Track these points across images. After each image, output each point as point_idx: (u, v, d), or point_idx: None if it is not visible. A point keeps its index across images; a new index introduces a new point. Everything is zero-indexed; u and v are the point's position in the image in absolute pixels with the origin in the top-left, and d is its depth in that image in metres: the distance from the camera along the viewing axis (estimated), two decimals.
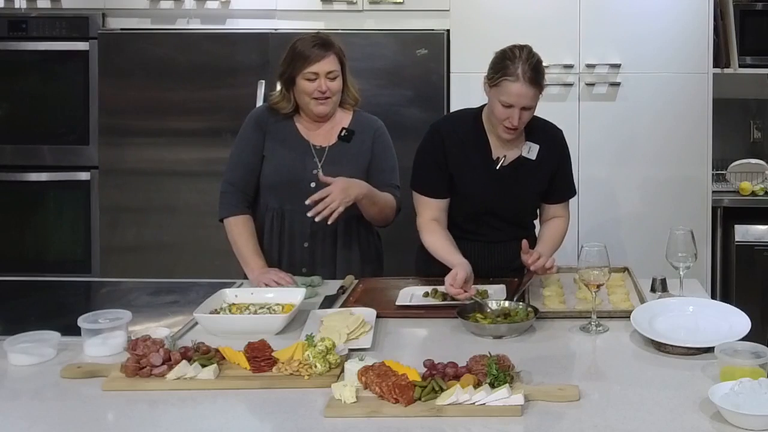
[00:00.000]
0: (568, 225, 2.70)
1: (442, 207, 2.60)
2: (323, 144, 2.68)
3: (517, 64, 2.41)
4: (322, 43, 2.60)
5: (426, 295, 2.39)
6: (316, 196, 2.46)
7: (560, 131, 2.69)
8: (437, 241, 2.53)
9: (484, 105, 2.59)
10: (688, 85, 3.64)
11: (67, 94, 3.83)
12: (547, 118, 2.70)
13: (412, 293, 2.41)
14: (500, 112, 2.45)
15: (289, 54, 2.61)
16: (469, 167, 2.57)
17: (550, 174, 2.62)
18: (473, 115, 2.62)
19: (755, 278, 3.74)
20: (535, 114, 2.66)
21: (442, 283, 2.40)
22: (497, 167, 2.57)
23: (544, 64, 3.49)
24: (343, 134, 2.68)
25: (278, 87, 2.71)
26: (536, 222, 2.75)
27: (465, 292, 2.29)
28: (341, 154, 2.67)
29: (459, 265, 2.36)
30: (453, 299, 2.32)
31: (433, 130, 2.63)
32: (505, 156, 2.58)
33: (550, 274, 2.47)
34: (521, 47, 2.47)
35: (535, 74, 2.43)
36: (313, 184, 2.64)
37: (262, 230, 2.68)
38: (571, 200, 2.73)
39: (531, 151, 2.59)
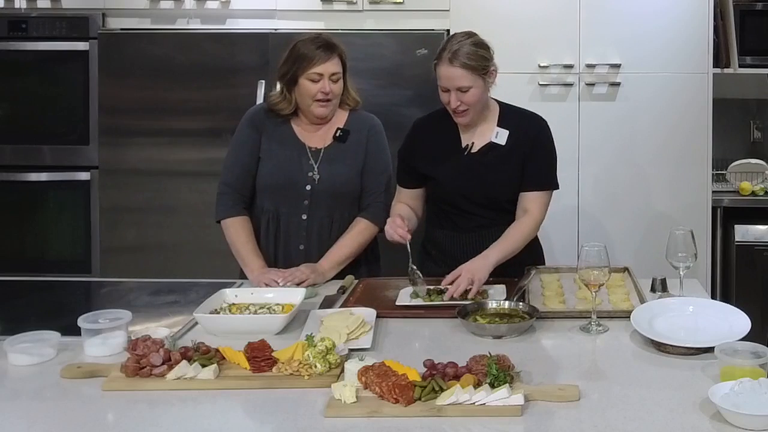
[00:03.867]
0: (536, 224, 2.60)
1: (414, 196, 2.73)
2: (318, 146, 2.68)
3: (447, 49, 2.52)
4: (326, 44, 2.60)
5: (414, 296, 2.38)
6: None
7: (541, 120, 2.69)
8: (395, 209, 2.66)
9: None
10: (688, 85, 3.64)
11: (67, 94, 3.83)
12: (547, 118, 2.70)
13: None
14: (442, 97, 2.58)
15: (292, 54, 2.60)
16: (440, 155, 2.65)
17: (523, 159, 2.62)
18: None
19: (755, 278, 3.74)
20: (524, 108, 2.71)
21: (439, 283, 2.41)
22: (465, 153, 2.62)
23: (544, 64, 3.49)
24: (338, 135, 2.68)
25: (278, 87, 2.71)
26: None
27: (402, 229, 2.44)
28: (337, 155, 2.67)
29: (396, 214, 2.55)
30: (453, 299, 2.32)
31: (411, 126, 2.77)
32: (473, 142, 2.63)
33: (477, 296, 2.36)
34: (459, 33, 2.57)
35: (464, 56, 2.50)
36: (308, 187, 2.64)
37: (257, 233, 2.68)
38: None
39: (499, 135, 2.63)
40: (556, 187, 2.68)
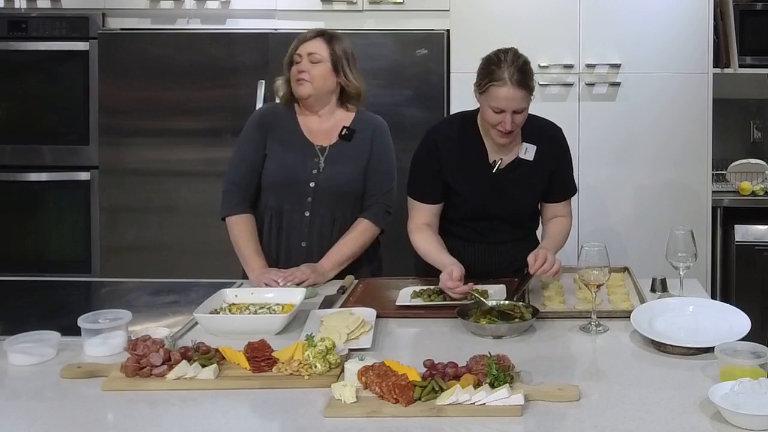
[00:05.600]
0: (571, 223, 2.68)
1: (434, 212, 2.61)
2: (324, 143, 2.69)
3: (503, 68, 2.40)
4: (318, 32, 2.66)
5: (415, 295, 2.39)
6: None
7: (559, 129, 2.67)
8: (427, 243, 2.54)
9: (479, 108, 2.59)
10: (688, 85, 3.64)
11: (67, 94, 3.83)
12: (556, 124, 2.69)
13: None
14: (492, 118, 2.45)
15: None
16: (465, 172, 2.57)
17: (549, 173, 2.61)
18: (468, 118, 2.62)
19: (755, 278, 3.74)
20: (533, 113, 2.66)
21: (436, 283, 2.41)
22: (494, 170, 2.57)
23: (544, 64, 3.48)
24: (343, 133, 2.69)
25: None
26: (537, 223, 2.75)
27: (462, 286, 2.31)
28: (341, 154, 2.68)
29: (453, 264, 2.38)
30: (453, 299, 2.32)
31: (428, 136, 2.64)
32: (501, 159, 2.58)
33: (555, 278, 2.44)
34: (506, 50, 2.46)
35: (522, 76, 2.41)
36: (312, 184, 2.65)
37: (261, 229, 2.69)
38: (571, 199, 2.73)
39: (528, 152, 2.58)
40: (577, 189, 2.73)
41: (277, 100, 2.79)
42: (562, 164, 2.64)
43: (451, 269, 2.34)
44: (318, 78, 2.64)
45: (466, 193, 2.58)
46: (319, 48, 2.63)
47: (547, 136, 2.62)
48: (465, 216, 2.63)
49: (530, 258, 2.38)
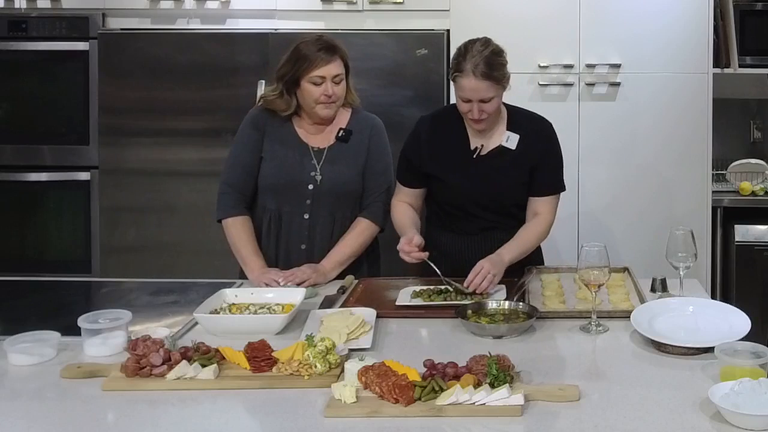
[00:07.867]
0: (548, 226, 2.63)
1: (415, 195, 2.70)
2: (321, 145, 2.69)
3: (467, 60, 2.46)
4: (328, 46, 2.59)
5: (415, 295, 2.38)
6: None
7: (548, 123, 2.68)
8: (402, 217, 2.63)
9: None
10: (688, 85, 3.64)
11: (67, 94, 3.83)
12: (547, 118, 2.70)
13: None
14: (461, 106, 2.53)
15: (293, 56, 2.60)
16: (447, 158, 2.62)
17: (532, 164, 2.61)
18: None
19: (755, 278, 3.74)
20: (530, 110, 2.70)
21: (439, 283, 2.42)
22: (474, 156, 2.60)
23: (544, 64, 3.48)
24: (341, 135, 2.69)
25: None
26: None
27: (418, 251, 2.42)
28: (339, 155, 2.68)
29: (415, 234, 2.49)
30: (453, 299, 2.32)
31: (416, 125, 2.72)
32: (482, 145, 2.61)
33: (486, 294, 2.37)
34: (475, 40, 2.52)
35: (487, 67, 2.45)
36: (310, 187, 2.65)
37: (259, 232, 2.68)
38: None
39: (510, 140, 2.61)
40: (564, 188, 2.70)
41: (259, 102, 2.74)
42: (546, 157, 2.64)
43: (411, 235, 2.46)
44: (341, 97, 2.64)
45: (449, 178, 2.62)
46: (340, 68, 2.60)
47: (533, 128, 2.65)
48: (454, 204, 2.66)
49: (473, 271, 2.39)
